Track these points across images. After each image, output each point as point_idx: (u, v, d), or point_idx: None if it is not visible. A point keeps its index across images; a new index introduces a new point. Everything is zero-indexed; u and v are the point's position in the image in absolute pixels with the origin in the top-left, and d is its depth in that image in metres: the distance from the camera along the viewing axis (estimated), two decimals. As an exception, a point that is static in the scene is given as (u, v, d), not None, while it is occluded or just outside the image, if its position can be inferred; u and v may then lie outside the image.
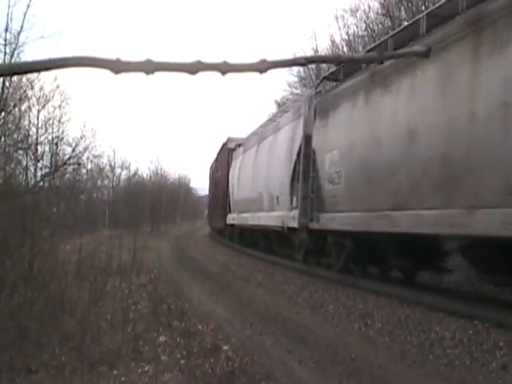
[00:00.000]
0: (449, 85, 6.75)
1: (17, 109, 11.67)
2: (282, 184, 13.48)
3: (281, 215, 13.37)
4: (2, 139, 8.56)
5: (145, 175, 50.20)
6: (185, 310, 7.25)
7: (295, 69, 25.80)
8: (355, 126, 9.27)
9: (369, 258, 9.76)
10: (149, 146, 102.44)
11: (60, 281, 5.94)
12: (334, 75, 11.18)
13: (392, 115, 8.04)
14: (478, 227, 6.12)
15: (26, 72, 2.40)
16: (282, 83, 28.91)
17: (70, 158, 19.35)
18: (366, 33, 22.01)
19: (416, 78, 7.43)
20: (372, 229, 8.48)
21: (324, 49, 25.74)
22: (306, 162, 11.61)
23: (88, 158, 25.65)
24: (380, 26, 20.98)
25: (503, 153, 5.80)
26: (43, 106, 19.63)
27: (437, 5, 7.86)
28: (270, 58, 2.48)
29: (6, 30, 9.25)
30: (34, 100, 17.80)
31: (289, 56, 28.67)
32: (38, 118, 19.38)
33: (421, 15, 8.15)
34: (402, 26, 10.24)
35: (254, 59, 2.40)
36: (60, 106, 21.02)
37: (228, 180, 22.41)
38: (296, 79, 28.11)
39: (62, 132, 21.35)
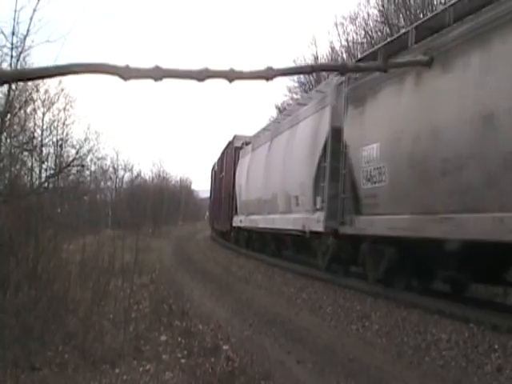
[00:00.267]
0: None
1: (22, 111, 11.82)
2: (302, 183, 12.03)
3: (301, 218, 11.98)
4: (8, 141, 8.65)
5: (147, 177, 50.35)
6: (185, 310, 7.31)
7: (297, 75, 25.89)
8: (403, 114, 7.86)
9: (414, 268, 8.19)
10: (151, 149, 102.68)
11: (63, 280, 6.02)
12: (370, 57, 9.43)
13: (457, 98, 6.63)
14: None
15: (37, 78, 2.51)
16: (282, 88, 29.04)
17: (73, 160, 19.58)
18: (365, 40, 22.20)
19: (494, 49, 6.07)
20: (425, 234, 7.10)
21: (324, 55, 25.98)
22: (334, 158, 10.31)
23: (91, 160, 25.81)
24: (379, 33, 21.16)
25: None
26: (48, 109, 19.83)
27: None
28: (270, 63, 2.58)
29: (13, 33, 9.37)
30: (39, 102, 17.98)
31: (289, 62, 28.93)
32: (43, 121, 19.56)
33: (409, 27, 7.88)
34: (394, 36, 9.63)
35: (258, 66, 2.50)
36: (64, 109, 21.23)
37: (234, 180, 21.16)
38: (296, 84, 28.33)
39: (67, 134, 21.59)
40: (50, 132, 20.07)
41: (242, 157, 20.79)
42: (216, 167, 29.47)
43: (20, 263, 5.76)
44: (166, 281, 10.61)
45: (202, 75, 2.03)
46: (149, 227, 33.04)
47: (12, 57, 9.59)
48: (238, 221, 19.83)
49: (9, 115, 9.40)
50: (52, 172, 16.89)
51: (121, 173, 44.18)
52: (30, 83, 10.40)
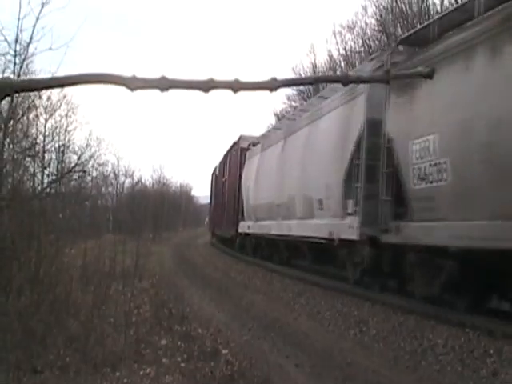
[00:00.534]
0: None
1: (25, 117, 11.92)
2: (328, 185, 10.67)
3: (326, 224, 10.62)
4: (11, 146, 8.75)
5: (148, 183, 50.42)
6: (185, 314, 7.35)
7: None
8: (473, 97, 6.54)
9: (477, 284, 6.92)
10: (151, 155, 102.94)
11: (65, 284, 6.05)
12: (417, 36, 8.28)
13: None
14: None
15: (42, 88, 2.58)
16: (281, 96, 29.26)
17: (75, 166, 19.72)
18: (362, 48, 22.43)
19: None
20: (505, 245, 5.80)
21: (322, 63, 26.23)
22: (370, 155, 9.03)
23: (93, 166, 25.91)
24: (376, 42, 21.38)
25: None
26: (50, 115, 19.98)
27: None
28: (269, 71, 2.66)
29: (16, 41, 9.49)
30: (41, 109, 18.10)
31: (288, 70, 29.09)
32: (45, 127, 19.69)
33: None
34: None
35: (258, 75, 2.57)
36: (66, 115, 21.39)
37: (240, 183, 19.81)
38: (295, 92, 28.58)
39: (68, 140, 21.74)
40: (52, 138, 20.23)
41: (249, 158, 19.51)
42: (218, 171, 28.42)
43: (22, 267, 5.81)
44: (167, 285, 10.66)
45: (207, 86, 2.07)
46: (149, 232, 33.05)
47: (15, 64, 9.71)
48: (246, 227, 18.57)
49: (12, 121, 9.50)
50: (54, 177, 17.01)
51: (122, 179, 44.34)
52: (32, 89, 10.43)
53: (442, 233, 6.96)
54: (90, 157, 22.92)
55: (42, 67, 13.45)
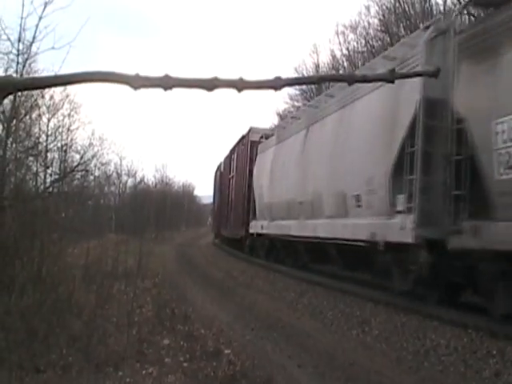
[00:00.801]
0: None
1: (28, 117, 11.94)
2: (369, 177, 9.06)
3: (367, 224, 9.04)
4: (14, 146, 8.76)
5: (150, 183, 50.48)
6: (188, 314, 7.36)
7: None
8: None
9: None
10: (154, 155, 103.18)
11: (68, 283, 6.06)
12: None
13: None
14: None
15: (45, 87, 2.59)
16: (284, 95, 29.26)
17: (78, 165, 19.72)
18: (365, 48, 22.45)
19: None
20: None
21: (325, 63, 26.25)
22: (428, 141, 7.51)
23: (96, 166, 25.90)
24: (379, 42, 21.40)
25: None
26: (53, 115, 19.98)
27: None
28: (272, 71, 2.64)
29: (19, 40, 9.50)
30: (44, 108, 18.11)
31: (290, 70, 29.10)
32: (47, 126, 19.69)
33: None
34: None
35: (261, 74, 2.56)
36: (69, 115, 21.36)
37: (251, 179, 18.18)
38: (298, 92, 28.59)
39: (71, 140, 21.73)
40: (55, 137, 20.23)
41: (261, 152, 17.63)
42: (222, 168, 26.83)
43: (25, 266, 5.82)
44: (169, 285, 10.67)
45: (211, 84, 2.05)
46: (152, 232, 33.12)
47: (18, 63, 9.73)
48: (258, 226, 16.72)
49: (14, 121, 9.53)
50: (57, 177, 17.03)
51: (124, 178, 44.38)
52: (35, 89, 10.53)
53: None
54: (93, 156, 22.88)
55: (44, 66, 13.46)
